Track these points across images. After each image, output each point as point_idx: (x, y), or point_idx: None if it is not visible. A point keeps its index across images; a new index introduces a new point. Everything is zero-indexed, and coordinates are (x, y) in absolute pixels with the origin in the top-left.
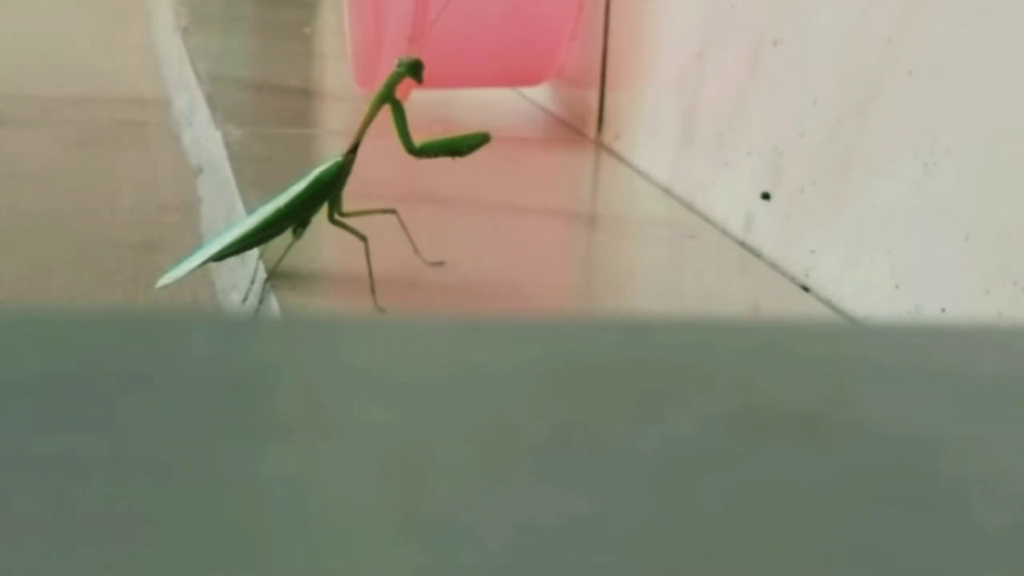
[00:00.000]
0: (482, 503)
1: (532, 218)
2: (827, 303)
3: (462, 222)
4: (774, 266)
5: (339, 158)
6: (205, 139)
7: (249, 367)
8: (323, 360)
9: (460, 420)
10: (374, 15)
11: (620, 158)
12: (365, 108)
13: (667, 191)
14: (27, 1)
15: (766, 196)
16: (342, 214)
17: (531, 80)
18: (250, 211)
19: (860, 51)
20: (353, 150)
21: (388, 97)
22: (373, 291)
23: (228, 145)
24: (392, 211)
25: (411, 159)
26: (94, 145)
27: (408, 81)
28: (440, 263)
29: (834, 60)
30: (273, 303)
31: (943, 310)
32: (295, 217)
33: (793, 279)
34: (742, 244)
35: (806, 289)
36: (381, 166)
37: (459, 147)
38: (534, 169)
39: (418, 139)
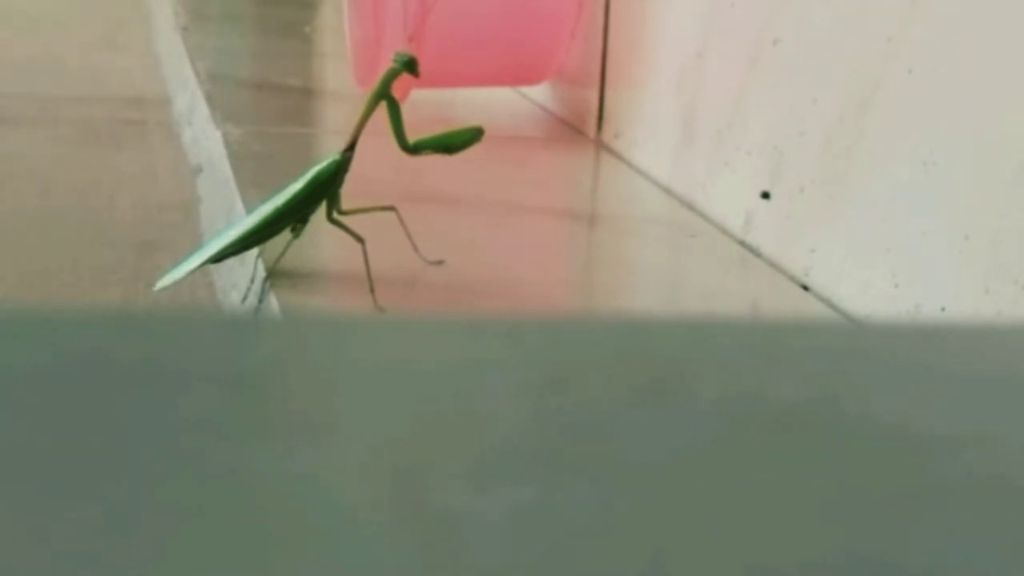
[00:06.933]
0: (482, 502)
1: (532, 217)
2: (827, 302)
3: (462, 221)
4: (774, 265)
5: (337, 156)
6: (205, 138)
7: (249, 367)
8: (323, 359)
9: (460, 419)
10: (374, 14)
11: (620, 157)
12: (361, 105)
13: (667, 190)
14: None
15: (766, 195)
16: (341, 212)
17: (531, 79)
18: (248, 211)
19: (860, 51)
20: (351, 148)
21: (384, 94)
22: (372, 291)
23: (228, 144)
24: (391, 208)
25: (410, 158)
26: (93, 144)
27: (408, 80)
28: (440, 262)
29: (834, 60)
30: (273, 302)
31: (943, 309)
32: (293, 216)
33: (793, 278)
34: (742, 243)
35: (806, 288)
36: (380, 165)
37: (452, 143)
38: (534, 168)
39: (414, 137)
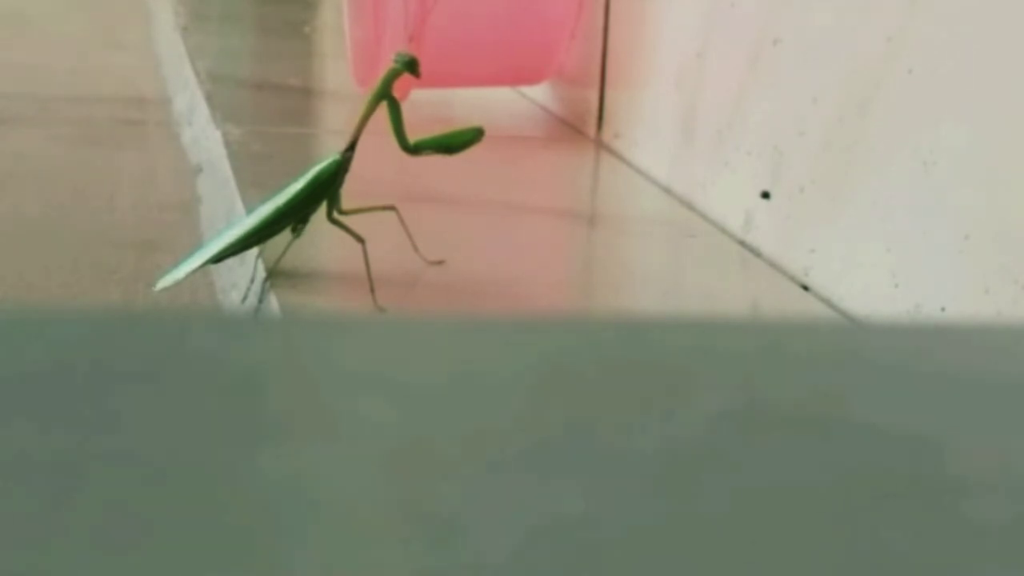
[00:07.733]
0: (482, 503)
1: (532, 217)
2: (827, 302)
3: (462, 221)
4: (774, 265)
5: (337, 156)
6: (205, 138)
7: (249, 367)
8: (323, 359)
9: (460, 420)
10: (374, 14)
11: (620, 157)
12: (362, 105)
13: (666, 190)
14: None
15: (766, 195)
16: (341, 212)
17: (531, 79)
18: (248, 210)
19: (860, 51)
20: (351, 147)
21: (385, 94)
22: (372, 291)
23: (228, 144)
24: (392, 208)
25: (410, 158)
26: (93, 144)
27: (408, 80)
28: (440, 262)
29: (834, 60)
30: (273, 302)
31: (943, 309)
32: (294, 216)
33: (793, 278)
34: (742, 243)
35: (806, 288)
36: (380, 165)
37: (452, 143)
38: (534, 168)
39: (414, 137)
